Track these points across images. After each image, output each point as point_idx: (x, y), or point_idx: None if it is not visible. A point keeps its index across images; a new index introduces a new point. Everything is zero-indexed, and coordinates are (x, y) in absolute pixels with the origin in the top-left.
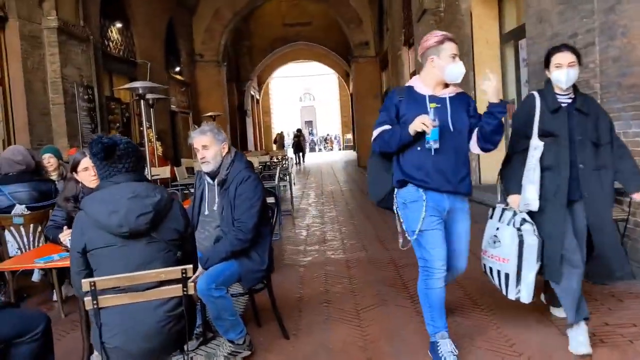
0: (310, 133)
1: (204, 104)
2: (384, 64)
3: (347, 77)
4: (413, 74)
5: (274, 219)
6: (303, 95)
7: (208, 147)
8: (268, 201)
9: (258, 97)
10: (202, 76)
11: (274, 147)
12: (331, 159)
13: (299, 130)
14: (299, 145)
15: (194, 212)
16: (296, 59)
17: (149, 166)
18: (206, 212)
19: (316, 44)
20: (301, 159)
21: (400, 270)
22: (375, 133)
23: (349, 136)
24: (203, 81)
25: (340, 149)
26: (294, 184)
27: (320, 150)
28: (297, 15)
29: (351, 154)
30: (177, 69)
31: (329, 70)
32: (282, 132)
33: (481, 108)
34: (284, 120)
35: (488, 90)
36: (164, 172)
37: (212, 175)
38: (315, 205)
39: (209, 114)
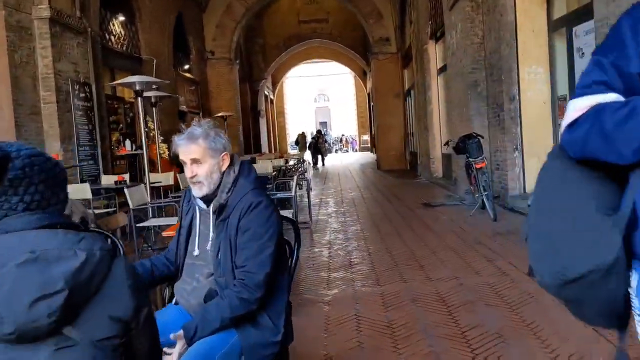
0: (325, 134)
1: (215, 103)
2: (407, 61)
3: (365, 75)
4: (441, 69)
5: (293, 260)
6: (317, 96)
7: (200, 161)
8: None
9: (272, 97)
10: (213, 74)
11: (290, 149)
12: (347, 160)
13: (319, 132)
14: (316, 147)
15: (179, 251)
16: (311, 58)
17: (147, 172)
18: (195, 252)
19: (332, 41)
20: (319, 161)
21: (454, 312)
22: (575, 110)
23: (366, 137)
24: (214, 79)
25: (355, 150)
26: (311, 189)
27: (336, 151)
28: (313, 11)
29: (369, 156)
30: (187, 66)
31: (344, 69)
32: (303, 132)
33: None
34: (298, 121)
35: None
36: (167, 178)
37: (207, 198)
38: (336, 215)
39: (221, 114)
